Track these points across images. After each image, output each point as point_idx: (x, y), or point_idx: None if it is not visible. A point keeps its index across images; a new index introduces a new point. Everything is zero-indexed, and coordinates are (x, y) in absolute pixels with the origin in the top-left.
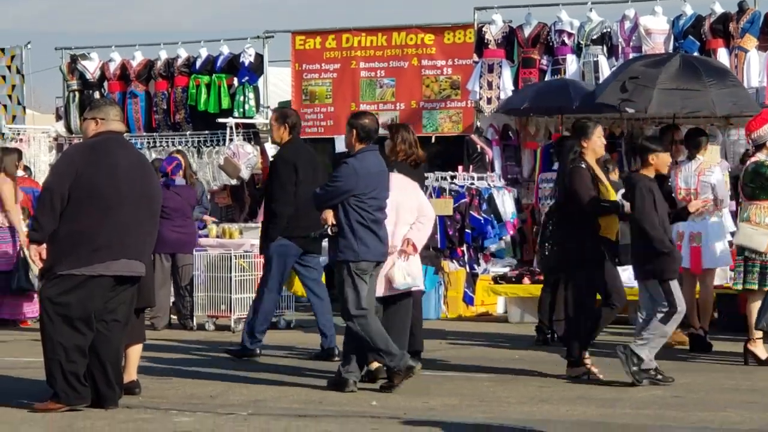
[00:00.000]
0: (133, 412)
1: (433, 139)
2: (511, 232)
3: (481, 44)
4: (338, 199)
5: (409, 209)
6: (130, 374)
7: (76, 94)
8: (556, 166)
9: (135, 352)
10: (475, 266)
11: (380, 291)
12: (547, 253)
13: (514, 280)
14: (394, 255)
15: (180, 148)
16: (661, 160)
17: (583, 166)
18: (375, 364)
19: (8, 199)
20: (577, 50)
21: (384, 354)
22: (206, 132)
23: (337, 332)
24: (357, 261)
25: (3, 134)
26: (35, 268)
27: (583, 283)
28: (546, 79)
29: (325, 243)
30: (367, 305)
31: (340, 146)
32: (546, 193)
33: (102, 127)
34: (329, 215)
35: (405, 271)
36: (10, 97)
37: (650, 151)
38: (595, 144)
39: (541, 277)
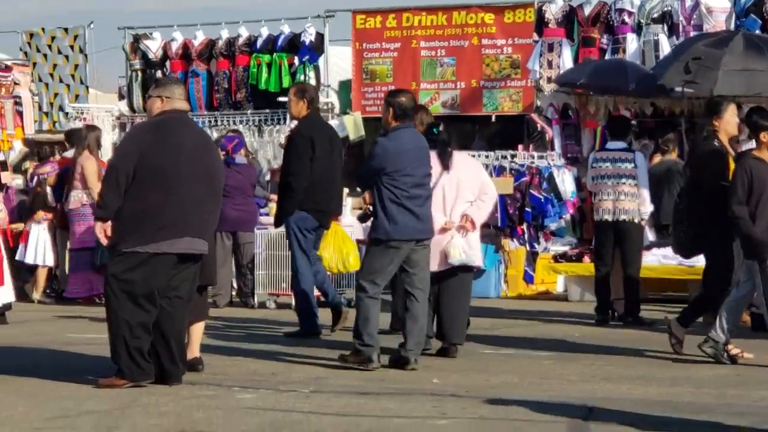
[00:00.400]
0: (196, 389)
1: (493, 118)
2: (571, 211)
3: (541, 23)
4: (373, 179)
5: (470, 187)
6: (193, 351)
7: (139, 73)
8: (609, 144)
9: (198, 330)
10: (535, 245)
11: (434, 265)
12: (682, 234)
13: (574, 258)
14: (452, 230)
15: (237, 127)
16: None
17: (716, 144)
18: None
19: (92, 176)
20: (638, 29)
21: (357, 336)
22: (267, 111)
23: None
24: (387, 240)
25: (67, 113)
26: None
27: (724, 261)
28: (606, 58)
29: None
30: (380, 282)
31: None
32: (601, 173)
33: (167, 106)
34: (367, 195)
35: (461, 247)
36: (73, 76)
37: (762, 128)
38: (728, 123)
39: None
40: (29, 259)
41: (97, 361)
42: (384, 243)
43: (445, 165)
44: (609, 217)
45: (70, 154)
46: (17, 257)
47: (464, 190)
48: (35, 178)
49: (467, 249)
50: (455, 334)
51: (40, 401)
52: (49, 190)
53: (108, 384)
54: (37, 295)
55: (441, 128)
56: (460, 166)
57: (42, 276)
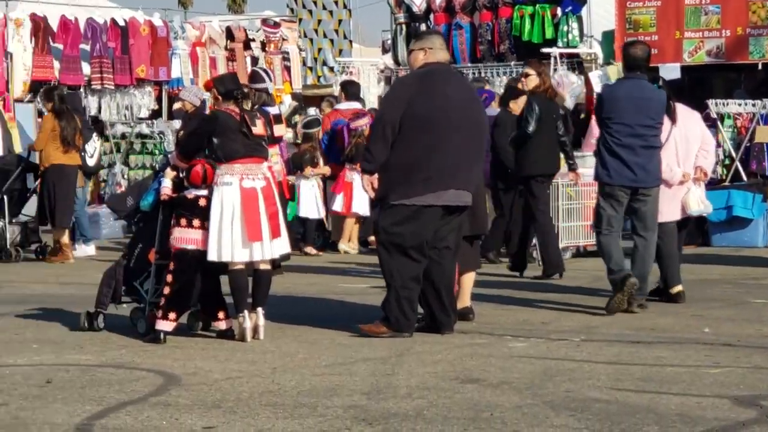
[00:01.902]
0: (468, 337)
1: (759, 66)
2: None
3: None
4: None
5: (696, 139)
6: (464, 301)
7: (403, 27)
8: None
9: (469, 279)
10: None
11: (676, 214)
12: None
13: None
14: (689, 182)
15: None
16: None
17: None
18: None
19: None
20: None
21: (609, 271)
22: None
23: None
24: (601, 183)
25: (332, 68)
26: None
27: None
28: None
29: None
30: (609, 226)
31: (666, 73)
32: None
33: (430, 58)
34: None
35: (699, 199)
36: (336, 31)
37: None
38: None
39: None
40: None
41: (367, 310)
42: (600, 187)
43: (672, 119)
44: None
45: (343, 106)
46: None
47: (692, 142)
48: (356, 130)
49: (704, 200)
50: (678, 277)
51: (318, 349)
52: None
53: (368, 329)
54: (344, 246)
55: (661, 83)
56: (684, 118)
57: (349, 227)
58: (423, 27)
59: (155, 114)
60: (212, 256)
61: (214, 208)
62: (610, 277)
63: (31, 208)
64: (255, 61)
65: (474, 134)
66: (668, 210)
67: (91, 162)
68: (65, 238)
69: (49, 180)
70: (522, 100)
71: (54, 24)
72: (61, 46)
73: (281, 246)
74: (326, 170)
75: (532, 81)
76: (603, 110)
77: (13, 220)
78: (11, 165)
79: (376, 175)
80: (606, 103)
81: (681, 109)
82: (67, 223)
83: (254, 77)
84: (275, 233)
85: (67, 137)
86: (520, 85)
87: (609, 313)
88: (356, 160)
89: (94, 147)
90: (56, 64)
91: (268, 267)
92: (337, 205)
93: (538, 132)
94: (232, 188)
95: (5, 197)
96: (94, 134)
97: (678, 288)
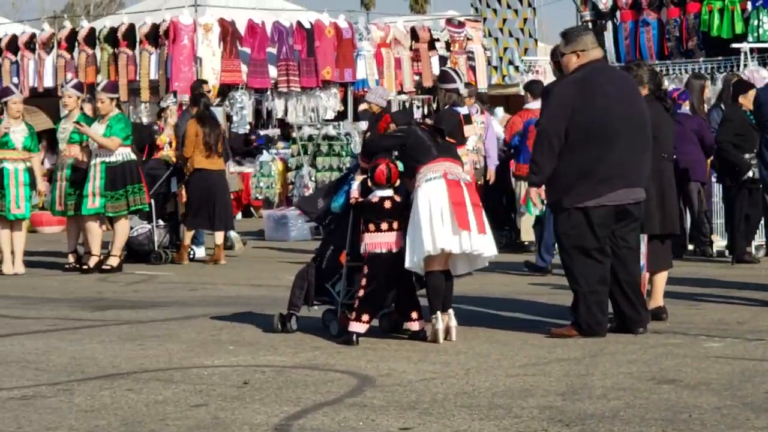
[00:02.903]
0: (662, 337)
1: None
2: None
3: None
4: None
5: None
6: (657, 300)
7: (589, 24)
8: None
9: (661, 279)
10: None
11: None
12: None
13: None
14: None
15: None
16: None
17: None
18: None
19: None
20: None
21: None
22: (719, 58)
23: None
24: None
25: (517, 67)
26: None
27: None
28: None
29: None
30: None
31: None
32: None
33: (583, 59)
34: None
35: None
36: (522, 30)
37: None
38: None
39: None
40: None
41: (556, 310)
42: None
43: None
44: None
45: (533, 105)
46: None
47: None
48: None
49: None
50: None
51: (511, 349)
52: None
53: (560, 333)
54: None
55: None
56: None
57: None
58: (609, 25)
59: (341, 115)
60: (420, 253)
61: (421, 205)
62: None
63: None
64: (443, 60)
65: (638, 128)
66: None
67: None
68: (219, 238)
69: (194, 185)
70: (752, 94)
71: (242, 28)
72: (248, 50)
73: (487, 244)
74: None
75: None
76: (762, 114)
77: (160, 223)
78: (159, 169)
79: (543, 187)
80: (763, 107)
81: None
82: (219, 226)
83: (444, 77)
84: (480, 228)
85: (209, 142)
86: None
87: None
88: None
89: None
90: (244, 68)
91: (447, 268)
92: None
93: None
94: (437, 182)
95: (152, 201)
96: None
97: None
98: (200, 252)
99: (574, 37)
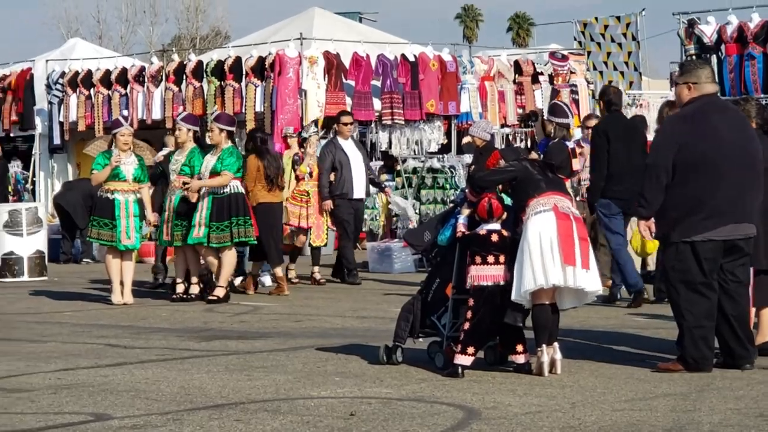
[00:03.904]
0: None
1: None
2: None
3: None
4: None
5: None
6: (764, 335)
7: (693, 58)
8: None
9: (766, 315)
10: None
11: None
12: None
13: None
14: None
15: None
16: None
17: None
18: None
19: None
20: None
21: None
22: None
23: None
24: None
25: None
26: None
27: None
28: None
29: None
30: None
31: None
32: None
33: (695, 92)
34: None
35: None
36: (626, 63)
37: None
38: None
39: None
40: None
41: (660, 344)
42: None
43: None
44: None
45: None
46: None
47: None
48: None
49: None
50: None
51: (617, 383)
52: None
53: (666, 368)
54: None
55: None
56: None
57: None
58: (714, 59)
59: (444, 148)
60: (529, 285)
61: (531, 238)
62: None
63: None
64: (555, 93)
65: (749, 164)
66: None
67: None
68: (279, 272)
69: (258, 218)
70: None
71: (346, 61)
72: (353, 83)
73: (591, 280)
74: None
75: None
76: None
77: None
78: None
79: (652, 220)
80: None
81: None
82: (279, 260)
83: (557, 111)
84: (585, 263)
85: (270, 176)
86: None
87: None
88: None
89: None
90: (348, 101)
91: (554, 301)
92: None
93: None
94: (547, 215)
95: None
96: None
97: None
98: (267, 280)
99: (689, 69)
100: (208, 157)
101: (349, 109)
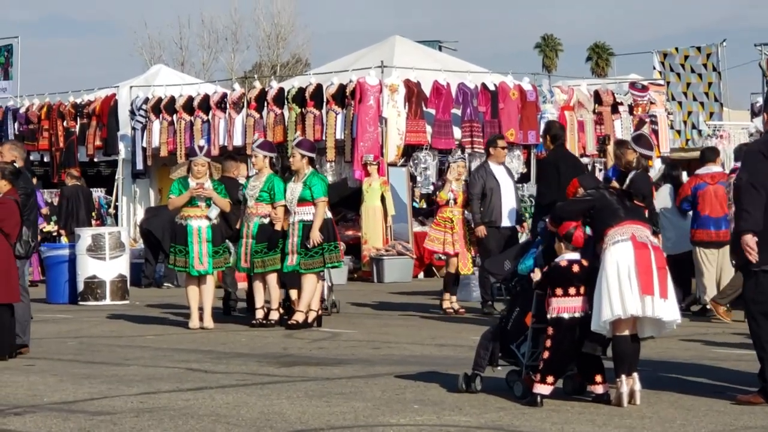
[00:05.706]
0: None
1: None
2: None
3: None
4: None
5: None
6: None
7: None
8: None
9: None
10: None
11: None
12: None
13: None
14: None
15: None
16: None
17: None
18: None
19: None
20: None
21: None
22: None
23: None
24: None
25: (700, 131)
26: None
27: None
28: None
29: None
30: None
31: None
32: None
33: None
34: None
35: None
36: (706, 94)
37: None
38: None
39: None
40: None
41: (740, 377)
42: None
43: None
44: None
45: (702, 171)
46: None
47: None
48: None
49: None
50: None
51: (696, 415)
52: None
53: (746, 401)
54: None
55: None
56: None
57: None
58: None
59: (524, 177)
60: (606, 315)
61: (609, 267)
62: None
63: None
64: (642, 123)
65: None
66: None
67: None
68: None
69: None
70: None
71: (427, 89)
72: (433, 111)
73: (669, 310)
74: None
75: None
76: None
77: None
78: None
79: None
80: None
81: None
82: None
83: (642, 142)
84: (663, 292)
85: None
86: None
87: None
88: None
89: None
90: (428, 129)
91: (635, 331)
92: None
93: None
94: (625, 244)
95: None
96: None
97: None
98: None
99: None
100: (291, 185)
101: (429, 137)
